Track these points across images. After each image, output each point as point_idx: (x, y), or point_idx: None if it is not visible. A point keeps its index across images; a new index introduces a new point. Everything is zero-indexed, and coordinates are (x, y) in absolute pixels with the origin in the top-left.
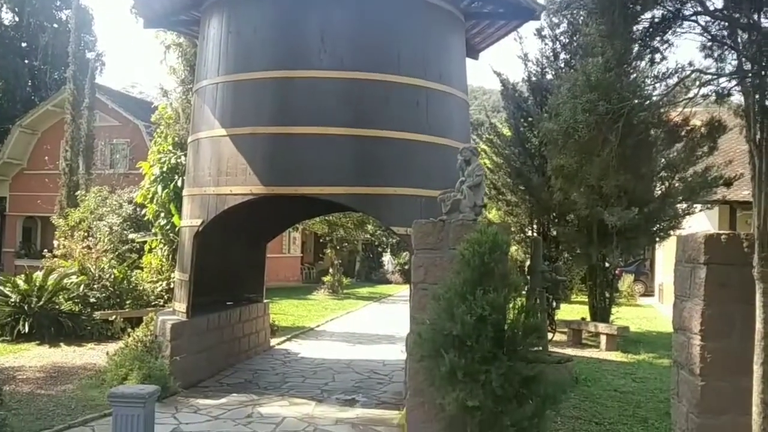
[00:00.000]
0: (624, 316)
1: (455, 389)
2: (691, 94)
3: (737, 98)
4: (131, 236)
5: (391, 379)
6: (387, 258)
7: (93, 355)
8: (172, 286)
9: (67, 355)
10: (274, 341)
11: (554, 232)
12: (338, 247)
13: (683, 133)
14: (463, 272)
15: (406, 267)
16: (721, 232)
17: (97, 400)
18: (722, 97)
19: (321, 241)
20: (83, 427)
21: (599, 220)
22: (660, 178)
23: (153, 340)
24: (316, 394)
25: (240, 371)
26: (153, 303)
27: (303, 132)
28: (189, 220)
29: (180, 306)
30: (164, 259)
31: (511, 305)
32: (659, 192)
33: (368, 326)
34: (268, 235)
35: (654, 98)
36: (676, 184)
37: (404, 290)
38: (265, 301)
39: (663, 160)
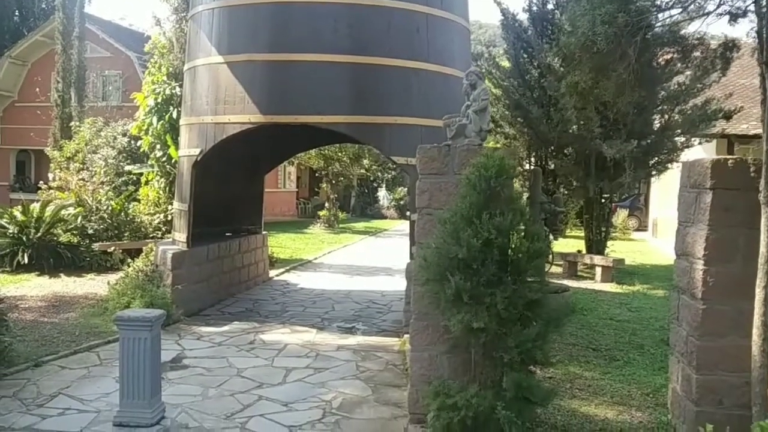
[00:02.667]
0: (618, 249)
1: (460, 312)
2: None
3: (752, 19)
4: (127, 168)
5: (389, 308)
6: (382, 193)
7: (93, 285)
8: (169, 218)
9: (68, 285)
10: (272, 272)
11: (552, 166)
12: (334, 182)
13: (698, 53)
14: (469, 196)
15: (401, 202)
16: (728, 156)
17: (100, 328)
18: (736, 17)
19: (317, 175)
20: (88, 353)
21: (597, 152)
22: (660, 111)
23: (154, 270)
24: (316, 322)
25: (240, 301)
26: (151, 235)
27: (301, 59)
28: (187, 150)
29: (180, 236)
30: (161, 192)
31: (515, 230)
32: (658, 125)
33: (365, 259)
34: (267, 166)
35: (671, 12)
36: (676, 117)
37: (400, 225)
38: (263, 232)
39: (663, 92)
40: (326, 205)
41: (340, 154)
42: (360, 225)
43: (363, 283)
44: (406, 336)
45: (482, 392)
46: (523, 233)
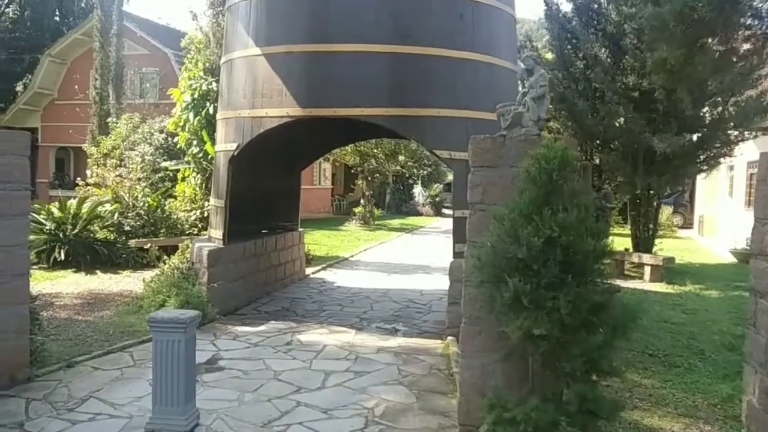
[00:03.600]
0: (665, 247)
1: (519, 317)
2: None
3: None
4: (164, 164)
5: (429, 308)
6: (417, 190)
7: (129, 282)
8: (205, 215)
9: (104, 282)
10: (309, 270)
11: (597, 160)
12: (369, 179)
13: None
14: (528, 191)
15: (437, 199)
16: None
17: (135, 327)
18: None
19: (352, 172)
20: (122, 353)
21: (647, 146)
22: (712, 103)
23: (190, 267)
24: (355, 322)
25: (277, 299)
26: (187, 232)
27: (340, 50)
28: (224, 145)
29: (216, 233)
30: (197, 188)
31: (580, 227)
32: (709, 118)
33: (402, 257)
34: (304, 162)
35: None
36: (730, 109)
37: (435, 222)
38: (299, 230)
39: (717, 83)
40: (361, 201)
41: (376, 150)
42: (395, 222)
43: (401, 281)
44: (450, 338)
45: (543, 405)
46: (587, 231)
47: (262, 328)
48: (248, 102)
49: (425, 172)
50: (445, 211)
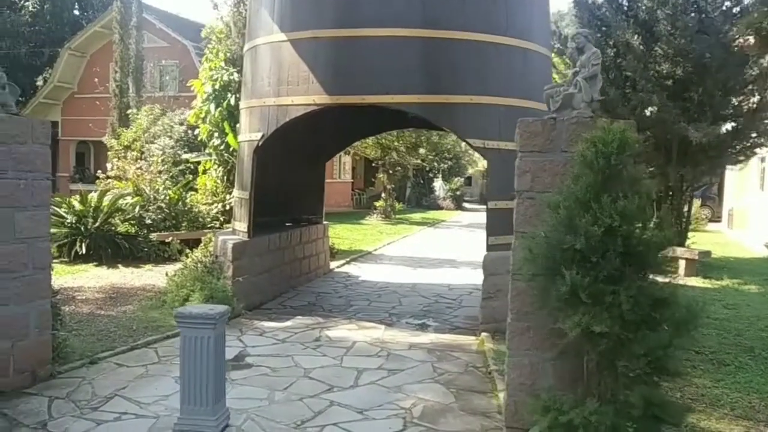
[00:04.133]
0: (696, 241)
1: (576, 312)
2: None
3: None
4: (185, 156)
5: (460, 303)
6: (438, 184)
7: (151, 276)
8: (227, 208)
9: (126, 276)
10: (333, 264)
11: None
12: (391, 172)
13: None
14: (584, 177)
15: (458, 193)
16: None
17: (158, 322)
18: None
19: (373, 165)
20: (146, 349)
21: (681, 136)
22: (748, 92)
23: (214, 261)
24: (384, 317)
25: (302, 294)
26: (209, 225)
27: (369, 35)
28: (248, 135)
29: (240, 225)
30: (219, 181)
31: (642, 216)
32: (745, 108)
33: (426, 251)
34: (329, 153)
35: None
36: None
37: (457, 216)
38: (324, 222)
39: (755, 69)
40: (383, 195)
41: (397, 143)
42: (417, 216)
43: (427, 275)
44: (484, 335)
45: (602, 408)
46: (649, 220)
47: (288, 323)
48: (273, 90)
49: (446, 166)
50: (466, 204)
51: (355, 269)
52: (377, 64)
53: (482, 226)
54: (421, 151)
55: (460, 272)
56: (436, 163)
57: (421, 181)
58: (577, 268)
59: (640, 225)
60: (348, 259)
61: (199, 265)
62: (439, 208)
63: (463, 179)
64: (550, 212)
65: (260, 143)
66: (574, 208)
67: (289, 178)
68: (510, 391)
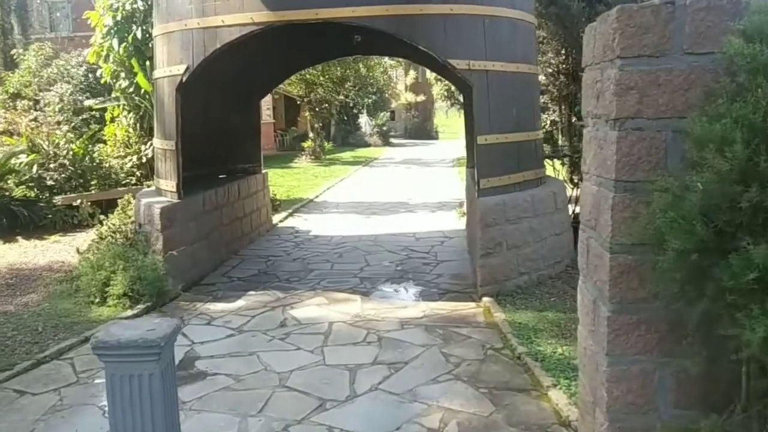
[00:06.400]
0: None
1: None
2: None
3: None
4: (87, 103)
5: (436, 258)
6: (364, 120)
7: (59, 249)
8: (144, 160)
9: (27, 252)
10: (275, 218)
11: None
12: (317, 109)
13: None
14: (753, 93)
15: (384, 128)
16: None
17: (72, 316)
18: None
19: (298, 104)
20: (58, 362)
21: None
22: None
23: (137, 230)
24: (355, 284)
25: (248, 259)
26: (123, 182)
27: None
28: (167, 68)
29: (167, 184)
30: (131, 129)
31: None
32: None
33: (372, 194)
34: (264, 90)
35: None
36: None
37: (388, 153)
38: (263, 171)
39: None
40: (310, 135)
41: (322, 77)
42: (347, 155)
43: (385, 224)
44: (486, 300)
45: None
46: None
47: (241, 303)
48: (196, 7)
49: (370, 101)
50: (393, 140)
51: (301, 222)
52: None
53: (417, 162)
54: (348, 85)
55: (418, 217)
56: (360, 99)
57: (345, 118)
58: (765, 241)
59: None
60: (290, 211)
61: (118, 236)
62: (367, 145)
63: (388, 114)
64: (712, 151)
65: (184, 78)
66: (760, 142)
67: (220, 122)
68: (611, 413)
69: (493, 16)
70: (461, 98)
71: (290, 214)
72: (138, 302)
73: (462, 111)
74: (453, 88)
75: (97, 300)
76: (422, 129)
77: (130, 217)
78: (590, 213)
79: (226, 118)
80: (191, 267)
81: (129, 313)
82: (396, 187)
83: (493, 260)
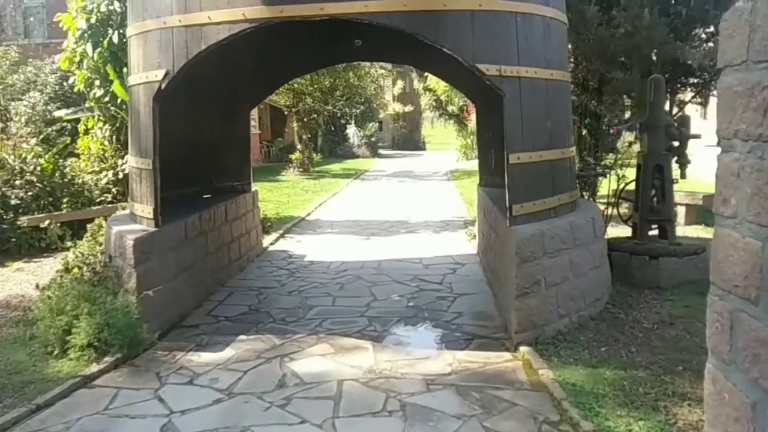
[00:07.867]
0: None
1: None
2: None
3: None
4: (57, 114)
5: (451, 289)
6: (351, 130)
7: (21, 280)
8: (119, 176)
9: None
10: (266, 240)
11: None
12: (305, 120)
13: None
14: None
15: (372, 139)
16: None
17: (23, 372)
18: None
19: (285, 114)
20: None
21: (672, 59)
22: None
23: (106, 264)
24: (363, 326)
25: (237, 292)
26: (98, 200)
27: None
28: (143, 74)
29: (142, 209)
30: (106, 142)
31: None
32: None
33: (367, 211)
34: (254, 99)
35: None
36: None
37: (377, 165)
38: (252, 189)
39: None
40: (299, 147)
41: (311, 87)
42: (336, 167)
43: (386, 247)
44: (525, 349)
45: None
46: None
47: (229, 352)
48: (178, 2)
49: (358, 111)
50: (381, 151)
51: (294, 245)
52: None
53: (410, 175)
54: (337, 95)
55: (422, 239)
56: (347, 109)
57: (332, 129)
58: None
59: None
60: (282, 232)
61: (85, 269)
62: (355, 156)
63: (376, 124)
64: None
65: (163, 85)
66: None
67: (205, 135)
68: None
69: (525, 14)
70: (448, 109)
71: (281, 236)
72: (105, 354)
73: (451, 122)
74: (442, 98)
75: (56, 351)
76: (410, 140)
77: (100, 245)
78: (746, 278)
79: (212, 131)
80: (171, 306)
81: (94, 368)
82: (392, 203)
83: (531, 301)
